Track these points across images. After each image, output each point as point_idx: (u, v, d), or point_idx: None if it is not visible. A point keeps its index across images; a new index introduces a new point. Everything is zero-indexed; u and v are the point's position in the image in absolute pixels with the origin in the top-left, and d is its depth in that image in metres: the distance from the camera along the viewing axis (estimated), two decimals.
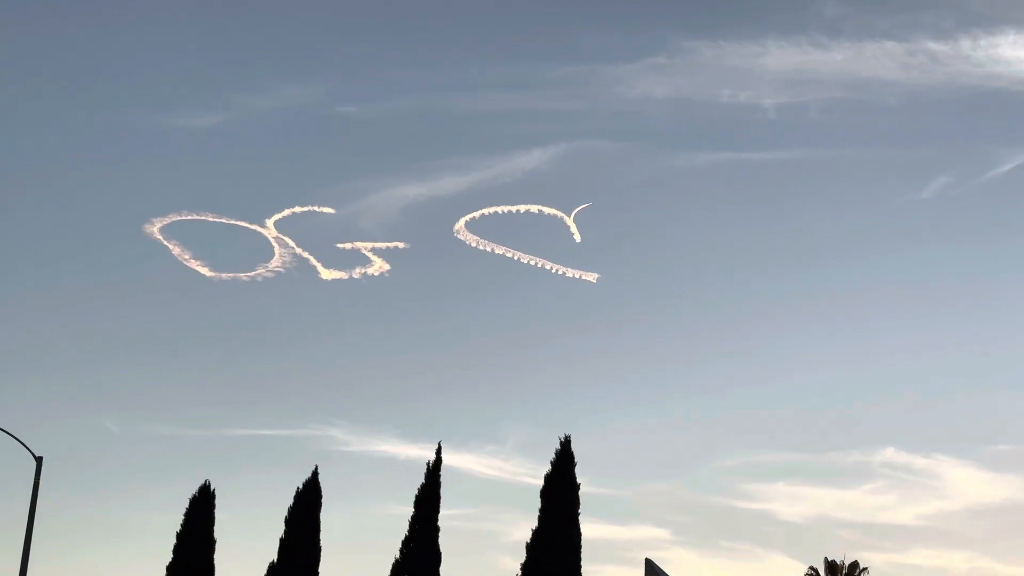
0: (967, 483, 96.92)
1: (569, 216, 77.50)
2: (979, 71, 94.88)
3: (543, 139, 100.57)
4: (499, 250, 77.96)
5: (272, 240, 76.77)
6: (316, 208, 78.28)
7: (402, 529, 47.88)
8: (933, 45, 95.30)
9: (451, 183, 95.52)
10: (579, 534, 45.90)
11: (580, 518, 46.21)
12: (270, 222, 76.83)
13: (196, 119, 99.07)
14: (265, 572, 48.88)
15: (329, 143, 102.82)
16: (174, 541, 50.09)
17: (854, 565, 76.94)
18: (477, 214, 77.82)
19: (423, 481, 48.61)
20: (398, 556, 47.27)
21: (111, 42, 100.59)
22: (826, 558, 77.43)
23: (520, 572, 45.48)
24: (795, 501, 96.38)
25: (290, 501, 50.27)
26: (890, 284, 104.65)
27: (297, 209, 77.27)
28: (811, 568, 77.33)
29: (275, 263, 77.24)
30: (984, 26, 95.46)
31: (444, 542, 47.93)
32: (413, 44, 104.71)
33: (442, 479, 48.83)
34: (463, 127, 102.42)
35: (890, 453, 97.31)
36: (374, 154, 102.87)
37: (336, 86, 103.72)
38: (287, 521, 49.75)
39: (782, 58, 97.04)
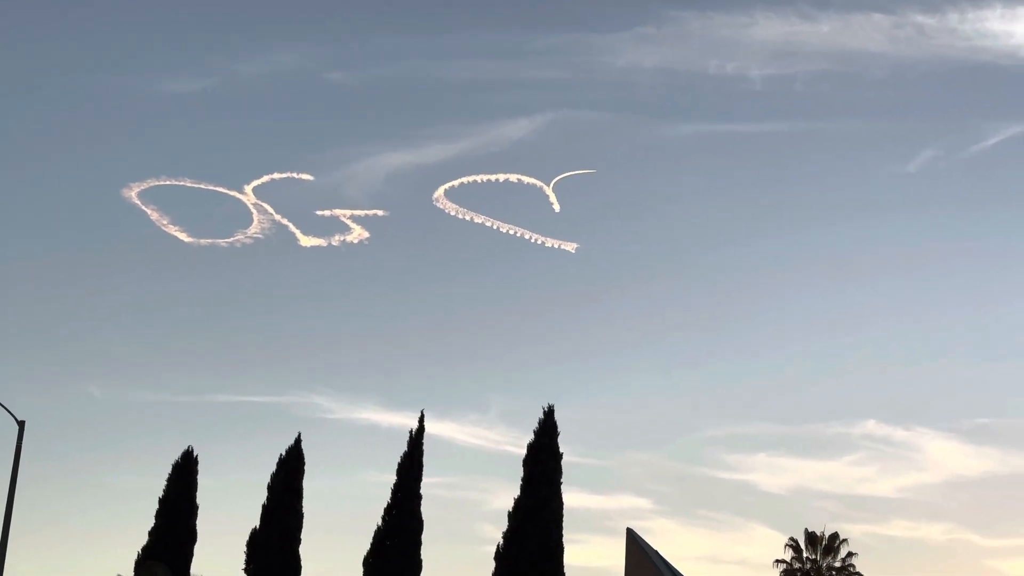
0: (947, 455, 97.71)
1: (549, 185, 77.55)
2: (966, 44, 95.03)
3: (529, 108, 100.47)
4: (478, 219, 78.10)
5: (251, 206, 76.67)
6: (294, 175, 78.25)
7: (384, 497, 48.03)
8: (920, 18, 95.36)
9: (437, 151, 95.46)
10: (561, 503, 46.04)
11: (562, 487, 46.42)
12: (249, 188, 76.68)
13: (182, 84, 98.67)
14: (247, 538, 48.96)
15: (314, 110, 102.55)
16: (157, 506, 50.18)
17: (834, 536, 77.49)
18: (456, 182, 77.87)
19: (406, 449, 48.68)
20: (380, 524, 47.36)
21: (97, 6, 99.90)
22: (806, 529, 78.11)
23: (502, 541, 45.63)
24: (776, 472, 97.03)
25: (273, 468, 50.36)
26: (875, 257, 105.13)
27: (276, 175, 77.19)
28: (791, 539, 77.92)
29: (254, 229, 77.22)
30: None
31: (426, 510, 48.12)
32: (401, 11, 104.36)
33: (425, 447, 48.92)
34: (450, 95, 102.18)
35: (871, 425, 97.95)
36: (360, 121, 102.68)
37: (323, 53, 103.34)
38: (270, 488, 49.81)
39: (769, 29, 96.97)
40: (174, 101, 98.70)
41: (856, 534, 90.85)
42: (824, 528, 77.97)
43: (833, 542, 77.30)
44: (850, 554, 77.06)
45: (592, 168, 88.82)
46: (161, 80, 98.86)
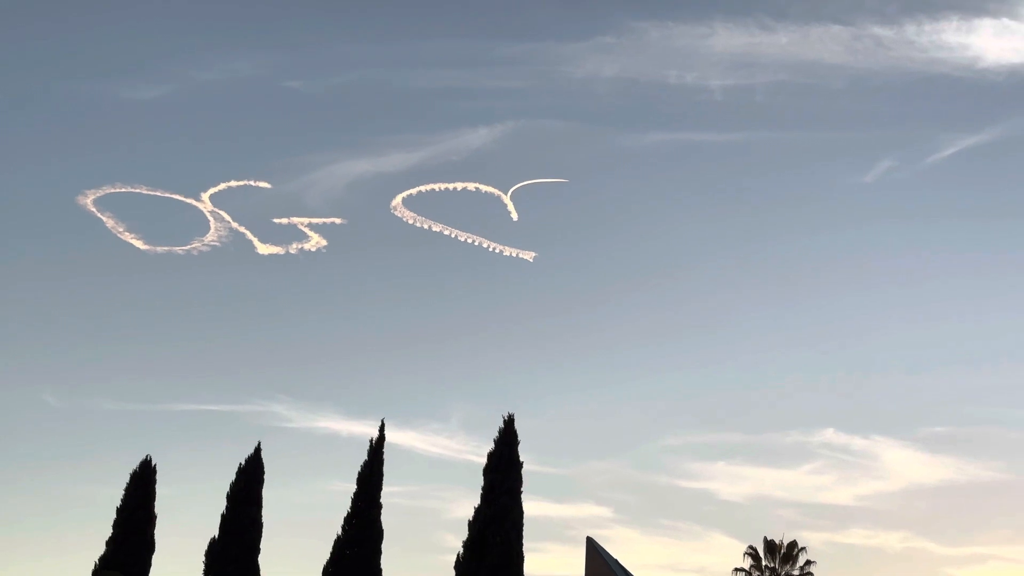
0: (904, 464, 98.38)
1: (507, 194, 77.75)
2: (923, 56, 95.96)
3: (490, 117, 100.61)
4: (436, 227, 78.13)
5: (207, 214, 76.44)
6: (252, 182, 78.04)
7: (345, 506, 47.96)
8: (878, 30, 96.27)
9: (398, 160, 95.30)
10: (521, 512, 46.12)
11: (523, 496, 46.54)
12: (205, 196, 76.45)
13: (140, 91, 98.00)
14: (206, 548, 48.69)
15: (274, 117, 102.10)
16: (114, 516, 49.79)
17: (792, 544, 77.80)
18: (414, 191, 78.05)
19: (366, 458, 48.64)
20: (340, 533, 47.27)
21: (55, 13, 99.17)
22: (765, 537, 78.30)
23: (462, 549, 45.63)
24: (735, 481, 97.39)
25: (232, 477, 50.16)
26: (833, 267, 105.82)
27: (233, 183, 77.00)
28: (750, 547, 78.15)
29: (211, 237, 76.96)
30: (928, 11, 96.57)
31: (387, 519, 48.12)
32: (361, 19, 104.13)
33: (385, 456, 48.93)
34: (411, 104, 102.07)
35: (829, 434, 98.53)
36: (320, 129, 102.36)
37: (282, 60, 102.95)
38: (229, 497, 49.58)
39: (729, 40, 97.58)
40: (132, 108, 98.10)
41: (814, 542, 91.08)
42: (783, 536, 78.29)
43: (791, 550, 77.61)
44: (808, 562, 77.37)
45: (559, 177, 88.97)
46: (119, 87, 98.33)
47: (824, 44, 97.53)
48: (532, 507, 47.65)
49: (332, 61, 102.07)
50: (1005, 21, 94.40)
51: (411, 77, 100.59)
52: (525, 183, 79.69)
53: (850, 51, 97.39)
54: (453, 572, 45.58)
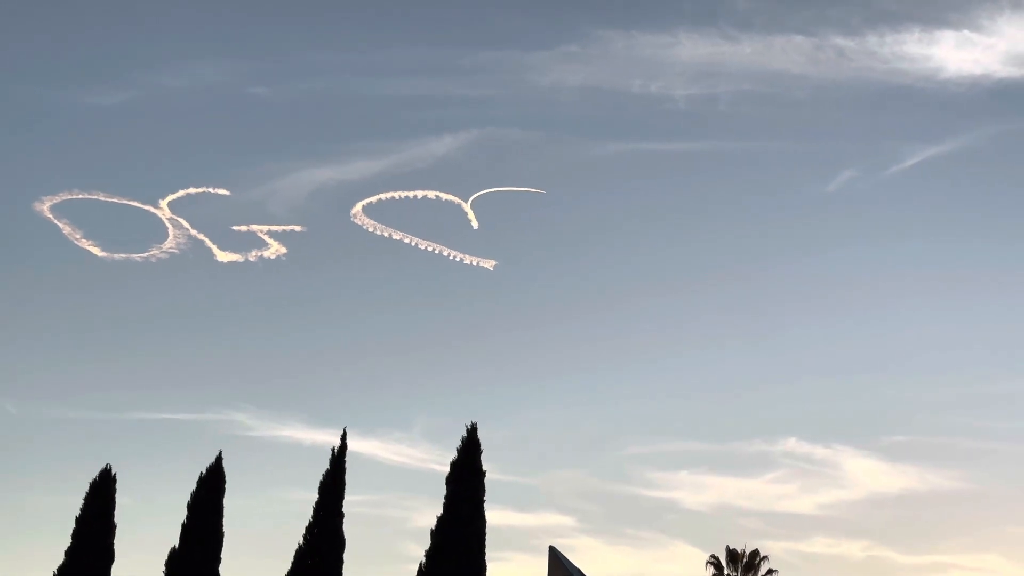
0: (866, 473, 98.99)
1: (467, 202, 77.77)
2: (885, 67, 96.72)
3: (454, 125, 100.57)
4: (396, 235, 78.04)
5: (166, 221, 75.99)
6: (211, 189, 77.67)
7: (307, 515, 47.68)
8: (841, 40, 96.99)
9: (361, 168, 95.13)
10: (484, 521, 46.01)
11: (485, 505, 46.41)
12: (164, 203, 76.03)
13: (103, 96, 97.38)
14: (166, 558, 48.32)
15: (237, 124, 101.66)
16: (73, 526, 49.34)
17: (754, 553, 78.11)
18: (375, 199, 77.91)
19: (328, 467, 48.41)
20: (301, 542, 47.01)
21: (20, 17, 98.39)
22: (728, 546, 78.63)
23: (424, 559, 45.50)
24: (698, 490, 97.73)
25: (193, 486, 49.79)
26: (795, 276, 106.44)
27: (192, 190, 76.60)
28: (713, 556, 78.42)
29: (169, 244, 76.51)
30: (890, 23, 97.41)
31: (348, 528, 47.86)
32: (326, 26, 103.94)
33: (347, 465, 48.70)
34: (375, 111, 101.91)
35: (792, 443, 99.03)
36: (283, 136, 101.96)
37: (246, 67, 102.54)
38: (189, 506, 49.23)
39: (693, 50, 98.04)
40: (95, 114, 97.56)
41: (777, 551, 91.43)
42: (745, 545, 78.64)
43: (754, 559, 77.91)
44: (770, 571, 77.73)
45: (527, 186, 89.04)
46: (82, 92, 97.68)
47: (787, 54, 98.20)
48: (495, 516, 47.54)
49: (296, 68, 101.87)
50: (966, 33, 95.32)
51: (375, 85, 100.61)
52: (500, 190, 79.88)
53: (813, 61, 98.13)
54: None
